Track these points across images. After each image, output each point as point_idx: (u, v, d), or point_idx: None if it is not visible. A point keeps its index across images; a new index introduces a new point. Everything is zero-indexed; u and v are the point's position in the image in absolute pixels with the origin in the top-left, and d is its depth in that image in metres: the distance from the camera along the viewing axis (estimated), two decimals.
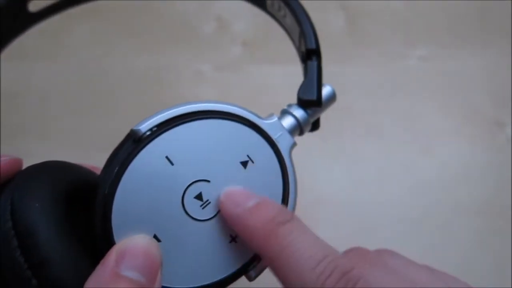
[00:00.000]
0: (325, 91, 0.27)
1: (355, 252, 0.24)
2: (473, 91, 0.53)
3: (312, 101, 0.26)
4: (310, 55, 0.28)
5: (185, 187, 0.22)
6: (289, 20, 0.30)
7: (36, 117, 0.51)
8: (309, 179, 0.47)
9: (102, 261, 0.20)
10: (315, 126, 0.28)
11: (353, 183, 0.48)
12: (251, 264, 0.23)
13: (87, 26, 0.57)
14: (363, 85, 0.53)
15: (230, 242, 0.23)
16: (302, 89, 0.26)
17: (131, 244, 0.20)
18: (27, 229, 0.20)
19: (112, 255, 0.20)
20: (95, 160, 0.26)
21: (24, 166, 0.23)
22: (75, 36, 0.56)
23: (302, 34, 0.28)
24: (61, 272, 0.19)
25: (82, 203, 0.22)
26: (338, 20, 0.58)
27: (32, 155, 0.48)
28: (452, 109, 0.52)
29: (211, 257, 0.23)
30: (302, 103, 0.26)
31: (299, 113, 0.26)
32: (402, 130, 0.51)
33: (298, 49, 0.31)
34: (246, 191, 0.23)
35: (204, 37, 0.57)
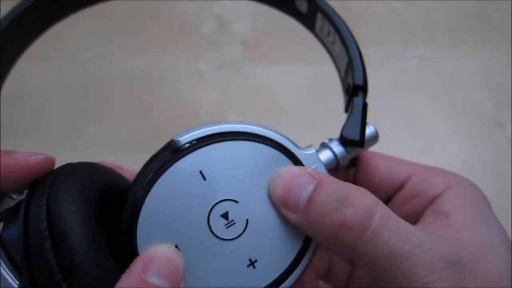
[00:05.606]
0: (368, 131, 0.27)
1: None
2: (473, 91, 0.53)
3: (354, 141, 0.26)
4: (357, 91, 0.28)
5: (213, 204, 0.22)
6: (338, 48, 0.30)
7: (36, 117, 0.51)
8: None
9: (129, 269, 0.20)
10: (353, 163, 0.27)
11: None
12: None
13: (87, 26, 0.57)
14: None
15: (248, 266, 0.23)
16: (346, 127, 0.26)
17: (157, 253, 0.21)
18: (62, 232, 0.20)
19: (138, 263, 0.20)
20: (95, 160, 0.26)
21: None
22: (75, 36, 0.56)
23: (351, 66, 0.28)
24: (91, 279, 0.20)
25: (113, 206, 0.23)
26: None
27: None
28: (452, 109, 0.52)
29: (226, 277, 0.22)
30: (344, 141, 0.26)
31: (338, 149, 0.26)
32: (402, 130, 0.51)
33: (342, 79, 0.30)
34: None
35: (204, 37, 0.57)
